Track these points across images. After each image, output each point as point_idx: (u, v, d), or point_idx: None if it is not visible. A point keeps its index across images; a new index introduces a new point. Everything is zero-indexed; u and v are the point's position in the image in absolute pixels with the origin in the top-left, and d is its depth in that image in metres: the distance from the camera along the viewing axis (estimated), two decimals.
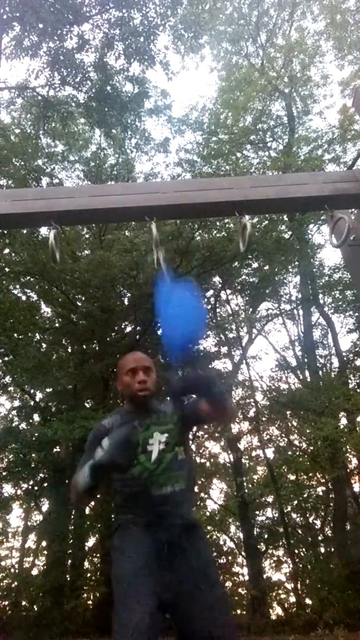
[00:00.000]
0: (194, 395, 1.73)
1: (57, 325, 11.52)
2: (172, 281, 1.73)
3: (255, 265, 11.56)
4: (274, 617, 8.78)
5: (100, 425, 1.76)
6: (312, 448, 9.55)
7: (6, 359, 9.43)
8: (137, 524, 1.54)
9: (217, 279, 11.81)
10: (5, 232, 7.74)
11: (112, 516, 1.79)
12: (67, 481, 9.83)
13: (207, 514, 10.49)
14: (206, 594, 1.44)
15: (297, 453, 10.47)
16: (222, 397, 1.61)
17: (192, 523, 1.60)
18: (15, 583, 9.82)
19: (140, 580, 1.40)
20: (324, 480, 10.08)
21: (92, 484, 1.50)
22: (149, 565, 1.43)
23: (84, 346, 11.23)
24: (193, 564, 1.48)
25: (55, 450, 10.17)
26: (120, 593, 1.42)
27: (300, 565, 9.72)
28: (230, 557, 10.71)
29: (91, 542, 10.34)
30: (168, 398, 1.76)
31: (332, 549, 9.61)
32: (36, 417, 11.14)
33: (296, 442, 11.05)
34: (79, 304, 10.91)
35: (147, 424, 1.66)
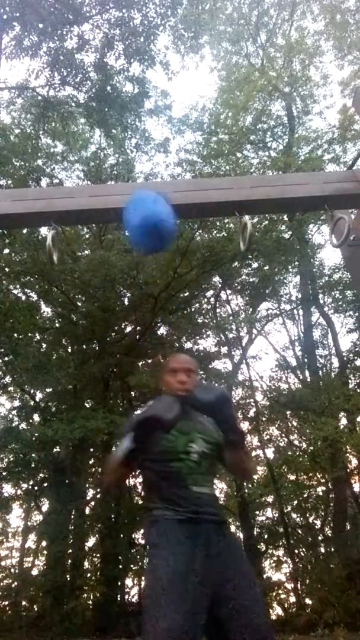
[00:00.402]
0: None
1: (57, 325, 11.52)
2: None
3: (255, 265, 11.56)
4: (274, 617, 8.76)
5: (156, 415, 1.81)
6: (312, 448, 9.54)
7: (6, 359, 9.43)
8: (175, 520, 1.53)
9: (217, 279, 11.82)
10: (5, 232, 7.75)
11: (146, 511, 1.72)
12: (67, 481, 9.87)
13: None
14: (245, 592, 1.43)
15: (297, 453, 10.46)
16: (241, 444, 1.66)
17: (224, 521, 1.63)
18: (15, 583, 9.83)
19: (177, 581, 1.38)
20: (324, 480, 10.08)
21: (131, 447, 1.54)
22: (186, 564, 1.42)
23: (84, 346, 11.24)
24: (229, 561, 1.48)
25: (55, 450, 10.17)
26: (155, 592, 1.39)
27: (300, 565, 9.72)
28: None
29: (91, 542, 10.34)
30: (206, 416, 1.74)
31: (332, 549, 9.61)
32: (36, 417, 11.14)
33: (296, 442, 11.05)
34: (79, 304, 10.92)
35: (189, 428, 1.69)
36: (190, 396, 1.66)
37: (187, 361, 1.88)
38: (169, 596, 1.34)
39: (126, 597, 9.50)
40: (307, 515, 10.53)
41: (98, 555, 9.76)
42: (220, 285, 12.13)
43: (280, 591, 9.91)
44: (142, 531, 10.28)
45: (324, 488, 10.36)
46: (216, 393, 1.59)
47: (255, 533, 10.30)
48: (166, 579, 1.38)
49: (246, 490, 9.90)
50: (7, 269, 9.37)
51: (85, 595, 9.09)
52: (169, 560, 1.42)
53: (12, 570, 10.60)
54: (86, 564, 10.00)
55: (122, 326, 11.44)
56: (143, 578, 9.26)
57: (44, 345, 11.26)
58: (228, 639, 1.38)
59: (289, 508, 10.39)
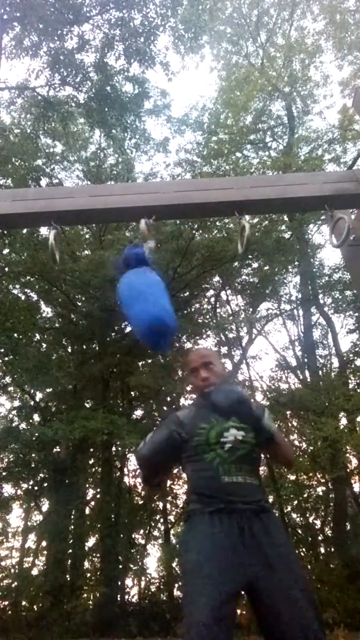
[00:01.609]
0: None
1: (57, 325, 11.52)
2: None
3: (255, 265, 11.56)
4: None
5: (174, 414, 1.82)
6: (312, 448, 9.54)
7: (6, 359, 9.43)
8: (205, 513, 1.54)
9: (217, 279, 11.82)
10: (5, 232, 7.75)
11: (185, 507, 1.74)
12: (67, 481, 9.86)
13: None
14: (283, 576, 1.40)
15: (297, 453, 10.46)
16: (272, 440, 1.68)
17: (262, 508, 1.57)
18: (15, 583, 9.82)
19: (210, 574, 1.39)
20: (324, 480, 10.07)
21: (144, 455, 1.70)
22: (216, 556, 1.42)
23: (84, 346, 11.24)
24: (266, 547, 1.45)
25: (55, 450, 10.17)
26: (186, 587, 1.45)
27: None
28: None
29: (91, 542, 10.34)
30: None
31: (332, 549, 9.61)
32: (36, 417, 11.14)
33: (296, 442, 11.04)
34: (79, 304, 10.91)
35: (222, 419, 1.68)
36: (218, 388, 1.72)
37: (203, 355, 1.87)
38: (194, 589, 1.39)
39: (126, 597, 9.51)
40: (307, 515, 10.53)
41: (98, 555, 9.76)
42: (220, 285, 12.13)
43: None
44: (142, 531, 10.30)
45: (324, 488, 10.36)
46: (231, 397, 1.63)
47: None
48: (191, 574, 1.43)
49: None
50: (7, 269, 9.37)
51: (85, 595, 9.09)
52: (194, 555, 1.46)
53: (12, 570, 10.59)
54: (86, 564, 10.00)
55: (122, 326, 11.44)
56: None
57: (44, 345, 11.27)
58: (273, 634, 1.37)
59: (289, 508, 10.38)
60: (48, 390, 11.29)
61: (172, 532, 10.36)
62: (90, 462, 11.17)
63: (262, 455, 1.85)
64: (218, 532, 1.47)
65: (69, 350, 11.86)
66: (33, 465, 9.82)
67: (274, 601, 1.37)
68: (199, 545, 1.47)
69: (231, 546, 1.43)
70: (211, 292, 12.45)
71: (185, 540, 1.56)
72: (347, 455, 9.22)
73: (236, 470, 1.57)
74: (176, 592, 9.29)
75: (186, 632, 1.33)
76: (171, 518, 10.35)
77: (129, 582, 9.91)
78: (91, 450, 10.51)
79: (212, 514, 1.51)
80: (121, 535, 9.36)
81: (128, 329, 11.50)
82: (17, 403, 11.82)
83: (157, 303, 1.70)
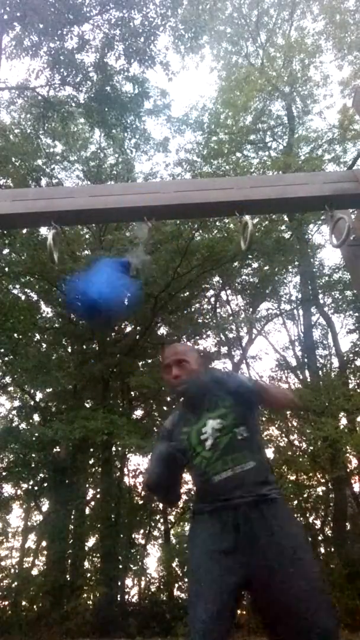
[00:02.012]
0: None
1: (57, 325, 11.51)
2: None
3: (255, 265, 11.56)
4: None
5: (163, 427, 1.84)
6: (312, 448, 9.54)
7: (6, 359, 9.43)
8: (204, 513, 1.56)
9: (217, 279, 11.82)
10: (5, 232, 7.74)
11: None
12: (67, 481, 9.86)
13: None
14: (285, 571, 1.34)
15: (297, 453, 10.46)
16: (254, 391, 1.61)
17: (262, 497, 1.50)
18: (15, 583, 9.82)
19: (206, 574, 1.40)
20: (324, 480, 10.07)
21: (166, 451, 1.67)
22: (215, 555, 1.42)
23: (84, 346, 11.23)
24: (265, 542, 1.40)
25: (55, 450, 10.17)
26: (189, 587, 1.50)
27: None
28: None
29: (91, 542, 10.34)
30: (224, 378, 1.73)
31: (332, 549, 9.61)
32: (36, 417, 11.14)
33: (296, 442, 11.04)
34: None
35: (199, 415, 1.66)
36: (191, 384, 1.71)
37: (176, 351, 1.84)
38: (195, 591, 1.41)
39: (126, 597, 9.50)
40: (307, 515, 10.52)
41: (98, 555, 9.75)
42: (220, 285, 12.13)
43: None
44: (142, 531, 10.30)
45: (324, 488, 10.35)
46: (197, 389, 1.65)
47: None
48: (193, 572, 1.47)
49: None
50: (7, 269, 9.37)
51: (85, 595, 9.09)
52: (194, 557, 1.48)
53: (12, 570, 10.58)
54: (86, 564, 9.99)
55: (122, 326, 11.43)
56: None
57: (44, 345, 11.26)
58: (276, 633, 1.36)
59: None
60: (48, 390, 11.28)
61: (172, 532, 10.36)
62: (90, 462, 11.17)
63: (257, 427, 1.84)
64: (214, 532, 1.47)
65: (69, 350, 11.86)
66: (33, 465, 9.81)
67: (274, 599, 1.35)
68: (198, 547, 1.48)
69: (227, 546, 1.42)
70: (211, 292, 12.46)
71: (188, 541, 1.61)
72: (347, 455, 9.22)
73: (223, 464, 1.54)
74: (176, 592, 9.30)
75: (189, 632, 1.35)
76: (171, 518, 10.35)
77: (129, 582, 9.91)
78: (91, 450, 10.50)
79: (210, 513, 1.52)
80: (121, 535, 9.36)
81: (128, 329, 11.53)
82: (17, 403, 11.83)
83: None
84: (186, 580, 9.23)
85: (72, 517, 9.99)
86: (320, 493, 10.42)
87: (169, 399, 10.48)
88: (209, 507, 1.54)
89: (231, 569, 1.39)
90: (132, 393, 11.17)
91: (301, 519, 10.59)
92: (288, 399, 1.83)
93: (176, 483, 1.75)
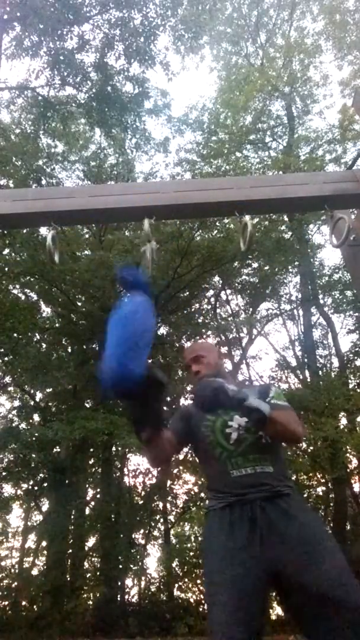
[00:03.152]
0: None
1: (57, 325, 11.51)
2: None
3: (255, 265, 11.57)
4: (274, 617, 8.75)
5: (184, 407, 1.85)
6: (312, 448, 9.54)
7: (6, 359, 9.42)
8: (218, 509, 1.54)
9: (217, 279, 11.82)
10: (6, 232, 7.74)
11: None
12: (67, 481, 9.86)
13: None
14: (307, 560, 1.33)
15: (297, 453, 10.46)
16: (262, 421, 1.46)
17: (277, 492, 1.50)
18: (15, 583, 9.82)
19: (223, 574, 1.38)
20: (324, 480, 10.07)
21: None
22: (232, 553, 1.40)
23: (84, 346, 11.23)
24: (284, 534, 1.40)
25: (55, 450, 10.17)
26: (207, 589, 1.46)
27: None
28: None
29: (91, 542, 10.33)
30: (255, 383, 1.74)
31: None
32: (36, 417, 11.13)
33: None
34: (79, 304, 10.91)
35: (226, 410, 1.61)
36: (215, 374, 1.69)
37: (193, 349, 1.88)
38: (212, 590, 1.40)
39: (126, 597, 9.49)
40: None
41: (98, 555, 9.75)
42: (220, 285, 12.13)
43: None
44: (142, 531, 10.30)
45: (324, 488, 10.36)
46: (206, 391, 1.45)
47: None
48: (208, 575, 1.44)
49: None
50: (7, 269, 9.37)
51: (85, 595, 9.08)
52: (210, 555, 1.46)
53: (12, 570, 10.58)
54: (86, 564, 9.99)
55: None
56: None
57: (44, 345, 11.26)
58: (306, 624, 1.33)
59: None
60: (48, 390, 11.28)
61: (172, 532, 10.35)
62: (90, 462, 11.16)
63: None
64: (230, 529, 1.45)
65: (69, 350, 11.85)
66: (33, 465, 9.80)
67: (303, 587, 1.31)
68: (214, 545, 1.47)
69: (244, 542, 1.41)
70: (211, 292, 12.46)
71: (203, 539, 1.57)
72: (347, 455, 9.22)
73: (244, 462, 1.54)
74: (176, 592, 9.29)
75: (209, 632, 1.35)
76: (171, 518, 10.34)
77: (129, 582, 9.90)
78: (91, 450, 10.50)
79: (224, 509, 1.51)
80: (121, 535, 9.35)
81: None
82: (17, 403, 11.82)
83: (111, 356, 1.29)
84: (186, 580, 9.24)
85: (72, 517, 9.98)
86: (320, 493, 10.42)
87: (168, 399, 10.48)
88: (223, 503, 1.53)
89: (251, 565, 1.37)
90: None
91: None
92: (295, 438, 1.61)
93: (177, 437, 1.65)
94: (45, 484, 10.40)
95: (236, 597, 1.32)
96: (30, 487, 10.38)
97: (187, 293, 11.21)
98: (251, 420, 1.53)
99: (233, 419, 1.61)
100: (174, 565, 9.39)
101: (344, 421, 9.65)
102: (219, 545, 1.45)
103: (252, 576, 1.35)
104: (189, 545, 9.94)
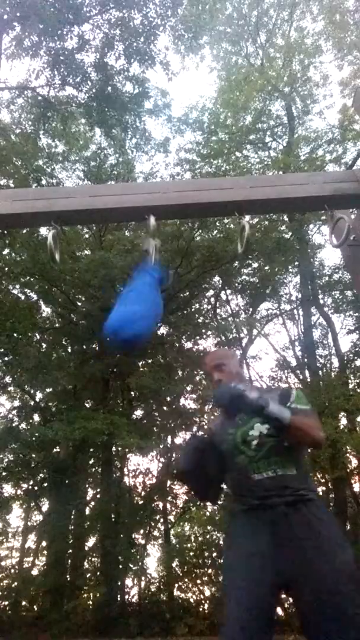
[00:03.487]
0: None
1: (57, 325, 11.51)
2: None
3: (255, 265, 11.57)
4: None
5: (207, 429, 1.97)
6: (312, 448, 9.54)
7: (6, 359, 9.42)
8: (241, 512, 1.58)
9: (217, 279, 11.82)
10: (6, 232, 7.74)
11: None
12: (67, 481, 9.86)
13: (207, 513, 10.48)
14: (323, 570, 1.36)
15: None
16: (285, 425, 1.49)
17: (300, 498, 1.52)
18: (15, 583, 9.82)
19: (240, 574, 1.43)
20: (324, 480, 10.07)
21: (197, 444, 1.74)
22: (251, 556, 1.44)
23: (84, 346, 11.23)
24: (304, 541, 1.42)
25: (55, 450, 10.17)
26: (223, 585, 1.55)
27: None
28: None
29: (91, 542, 10.33)
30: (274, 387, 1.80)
31: None
32: (36, 417, 11.14)
33: None
34: (79, 304, 10.91)
35: (247, 419, 1.67)
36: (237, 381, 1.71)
37: (214, 357, 1.91)
38: (229, 589, 1.46)
39: (126, 597, 9.49)
40: None
41: (98, 555, 9.75)
42: (220, 285, 12.13)
43: None
44: (142, 531, 10.30)
45: (324, 488, 10.35)
46: (226, 397, 1.54)
47: None
48: (227, 574, 1.52)
49: None
50: (7, 269, 9.37)
51: (85, 595, 9.08)
52: (230, 555, 1.53)
53: (12, 570, 10.58)
54: (86, 564, 9.99)
55: None
56: None
57: (44, 345, 11.26)
58: (314, 633, 1.36)
59: None
60: (48, 390, 11.28)
61: (172, 532, 10.35)
62: (90, 462, 11.16)
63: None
64: (251, 532, 1.49)
65: (69, 350, 11.85)
66: (33, 465, 9.81)
67: (312, 598, 1.34)
68: (234, 546, 1.53)
69: (263, 546, 1.45)
70: (211, 292, 12.46)
71: (226, 539, 1.69)
72: (347, 455, 9.22)
73: (266, 465, 1.56)
74: (176, 592, 9.29)
75: (222, 626, 1.40)
76: (171, 518, 10.34)
77: (129, 582, 9.90)
78: (91, 450, 10.50)
79: (246, 512, 1.55)
80: (121, 535, 9.35)
81: None
82: (17, 403, 11.82)
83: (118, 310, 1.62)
84: (186, 580, 9.24)
85: (72, 517, 9.99)
86: (320, 493, 10.43)
87: (168, 399, 10.49)
88: (246, 506, 1.56)
89: (267, 569, 1.41)
90: (132, 393, 11.16)
91: None
92: (315, 443, 1.63)
93: (212, 472, 1.71)
94: (45, 484, 10.40)
95: (246, 598, 1.38)
96: (30, 487, 10.38)
97: (187, 293, 11.21)
98: (272, 428, 1.57)
99: (254, 427, 1.64)
100: (174, 565, 9.39)
101: (344, 421, 9.65)
102: (239, 548, 1.50)
103: (266, 580, 1.40)
104: (189, 545, 9.95)
